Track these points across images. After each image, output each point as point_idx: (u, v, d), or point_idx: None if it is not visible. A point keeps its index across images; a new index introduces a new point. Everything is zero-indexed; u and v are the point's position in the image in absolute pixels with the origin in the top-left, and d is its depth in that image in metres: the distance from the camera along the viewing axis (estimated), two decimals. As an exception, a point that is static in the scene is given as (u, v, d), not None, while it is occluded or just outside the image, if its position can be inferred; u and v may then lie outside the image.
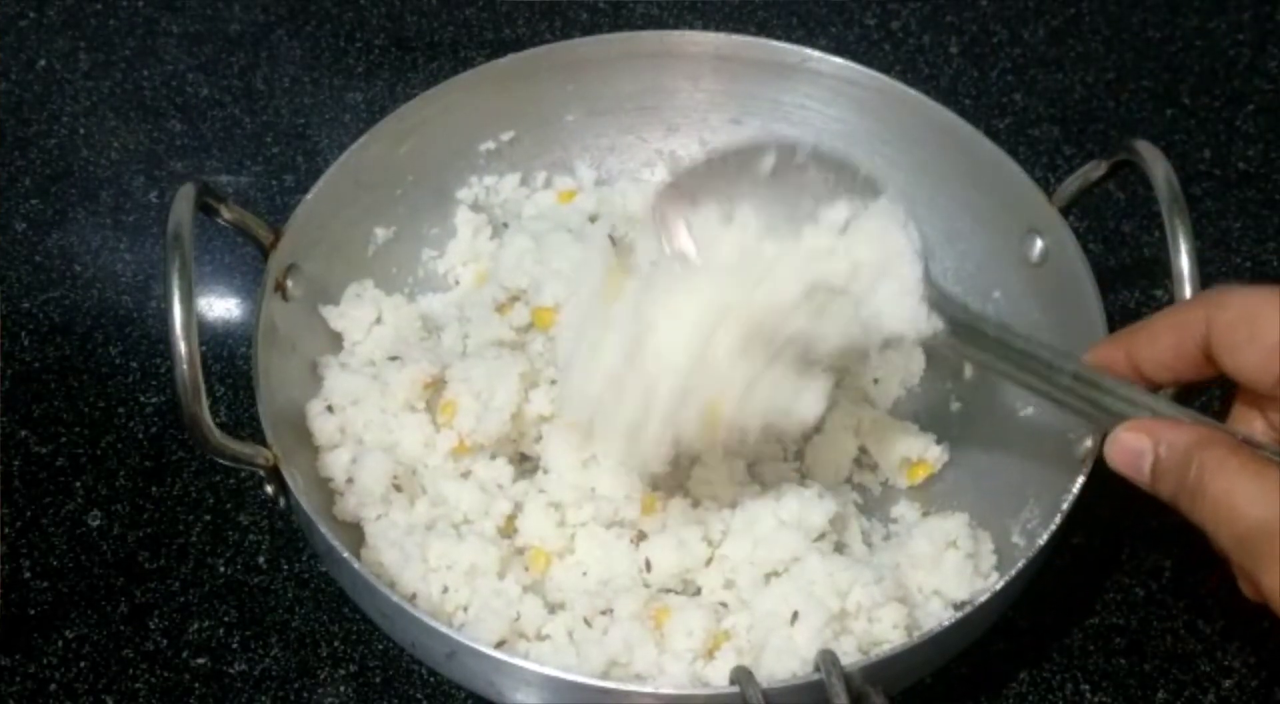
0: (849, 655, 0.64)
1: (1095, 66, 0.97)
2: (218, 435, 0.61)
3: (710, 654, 0.66)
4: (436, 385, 0.73)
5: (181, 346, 0.58)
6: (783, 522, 0.69)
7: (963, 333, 0.63)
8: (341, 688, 0.72)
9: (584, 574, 0.69)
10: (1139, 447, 0.59)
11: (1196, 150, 0.93)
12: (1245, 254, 0.89)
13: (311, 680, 0.72)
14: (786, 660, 0.64)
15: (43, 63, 0.95)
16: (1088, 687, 0.72)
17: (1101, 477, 0.64)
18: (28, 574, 0.74)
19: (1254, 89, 0.96)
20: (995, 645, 0.72)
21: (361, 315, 0.76)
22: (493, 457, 0.72)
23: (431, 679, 0.72)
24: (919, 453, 0.75)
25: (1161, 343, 0.61)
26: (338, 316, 0.76)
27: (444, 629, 0.60)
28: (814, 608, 0.65)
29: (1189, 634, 0.74)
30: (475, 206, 0.83)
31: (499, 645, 0.65)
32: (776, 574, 0.68)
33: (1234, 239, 0.90)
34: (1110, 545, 0.77)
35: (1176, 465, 0.57)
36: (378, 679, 0.72)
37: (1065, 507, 0.64)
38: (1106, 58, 0.98)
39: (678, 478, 0.72)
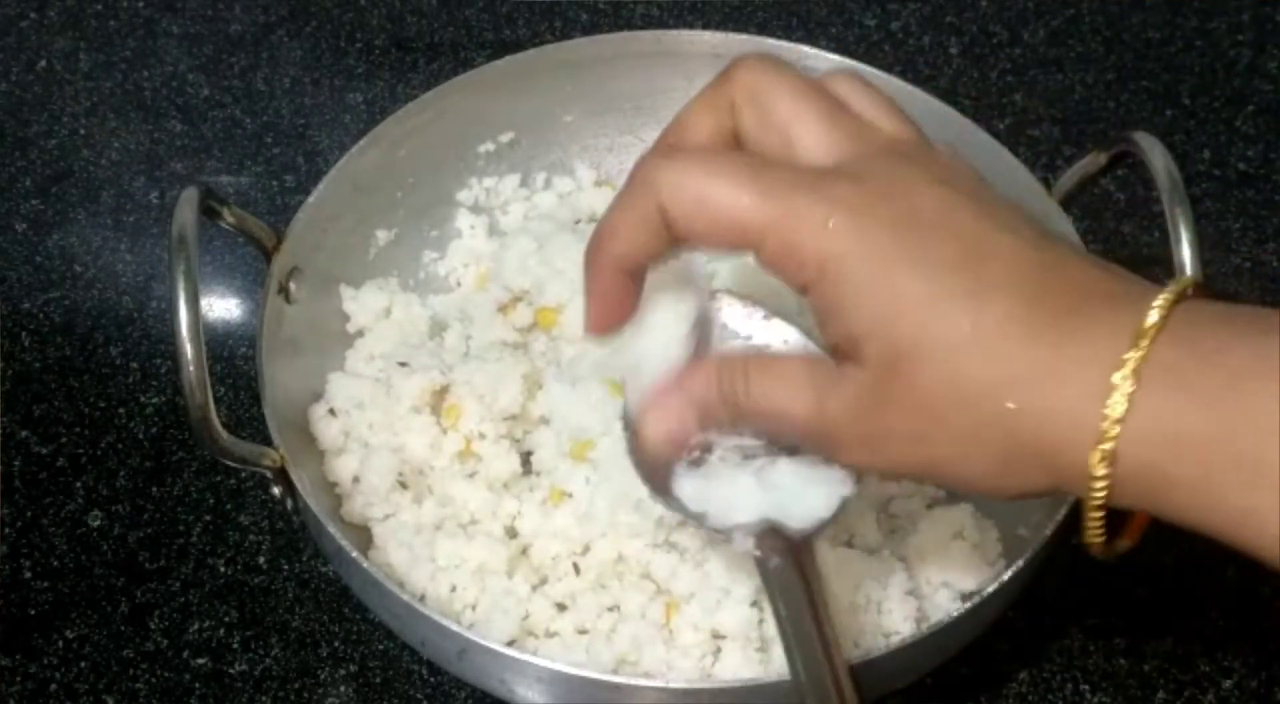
0: (859, 649, 0.64)
1: (1095, 66, 0.97)
2: (226, 438, 0.61)
3: (718, 650, 0.66)
4: (441, 389, 0.73)
5: (188, 350, 0.58)
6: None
7: None
8: (342, 688, 0.72)
9: (589, 572, 0.69)
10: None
11: (1196, 150, 0.93)
12: (1245, 254, 0.89)
13: (312, 680, 0.72)
14: None
15: (43, 63, 0.95)
16: (1087, 687, 0.72)
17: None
18: (28, 574, 0.75)
19: (1254, 89, 0.96)
20: (995, 645, 0.72)
21: (375, 302, 0.76)
22: (498, 457, 0.72)
23: (432, 679, 0.72)
24: None
25: None
26: (351, 297, 0.76)
27: (456, 628, 0.60)
28: None
29: (1189, 634, 0.74)
30: (475, 208, 0.83)
31: (509, 644, 0.65)
32: None
33: (1234, 239, 0.90)
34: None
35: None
36: (378, 679, 0.72)
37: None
38: (1106, 58, 0.98)
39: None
